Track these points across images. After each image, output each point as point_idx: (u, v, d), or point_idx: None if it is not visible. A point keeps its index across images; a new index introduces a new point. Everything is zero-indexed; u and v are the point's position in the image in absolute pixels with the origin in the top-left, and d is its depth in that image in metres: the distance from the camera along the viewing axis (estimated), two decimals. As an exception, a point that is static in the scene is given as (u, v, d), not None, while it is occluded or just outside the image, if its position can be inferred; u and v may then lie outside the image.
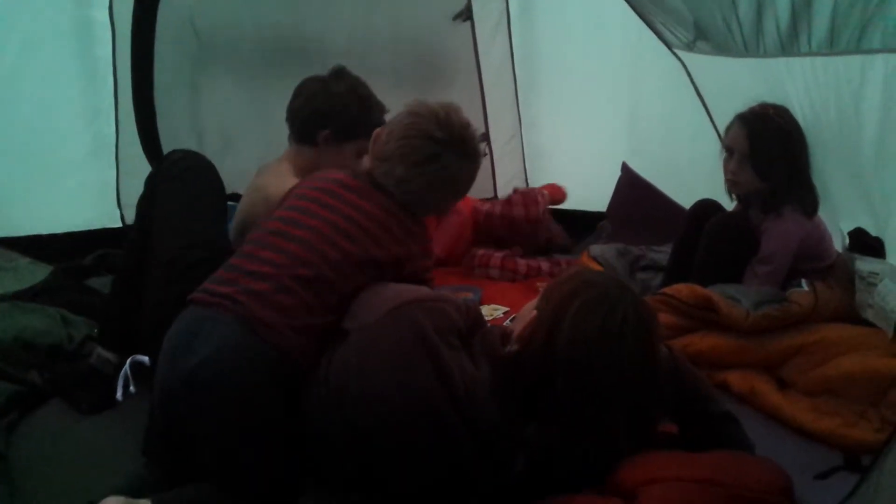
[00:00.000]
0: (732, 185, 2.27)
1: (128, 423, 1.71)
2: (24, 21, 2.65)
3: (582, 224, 3.25)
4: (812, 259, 2.19)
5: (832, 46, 1.90)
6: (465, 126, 1.69)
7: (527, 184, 3.48)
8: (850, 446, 1.66)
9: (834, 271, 2.14)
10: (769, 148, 2.15)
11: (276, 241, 1.54)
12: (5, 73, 2.65)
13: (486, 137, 3.30)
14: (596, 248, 2.76)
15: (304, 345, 1.45)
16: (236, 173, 3.07)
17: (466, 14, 3.29)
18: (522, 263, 2.85)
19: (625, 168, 3.14)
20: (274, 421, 1.41)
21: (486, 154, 3.25)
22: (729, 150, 2.24)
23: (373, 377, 1.37)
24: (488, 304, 2.48)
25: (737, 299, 2.03)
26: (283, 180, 2.08)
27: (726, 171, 2.25)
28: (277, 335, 1.42)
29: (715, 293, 2.05)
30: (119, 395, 1.76)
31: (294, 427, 1.43)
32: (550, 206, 3.07)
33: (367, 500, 1.42)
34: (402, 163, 1.64)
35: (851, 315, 2.02)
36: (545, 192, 3.05)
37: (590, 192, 3.22)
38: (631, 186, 3.09)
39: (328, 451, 1.43)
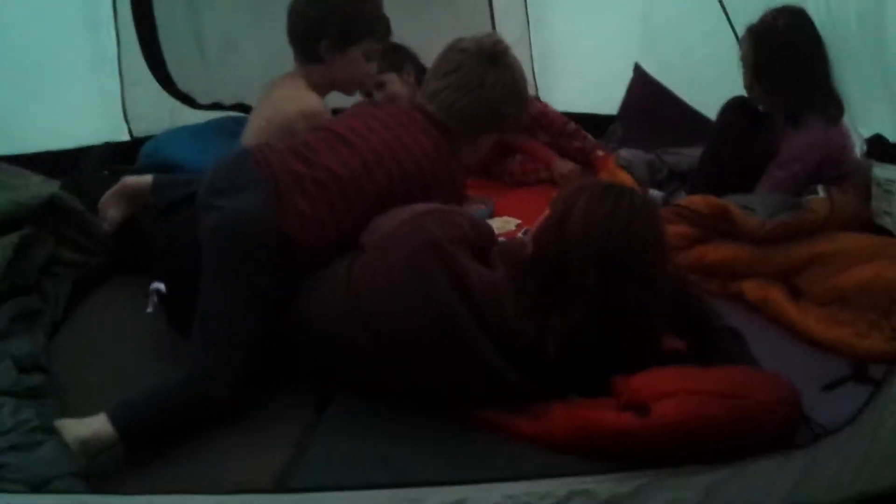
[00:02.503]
0: (751, 99, 2.24)
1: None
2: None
3: (592, 127, 3.20)
4: (834, 166, 2.19)
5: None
6: (498, 41, 1.77)
7: (535, 86, 3.40)
8: (861, 356, 1.68)
9: (851, 177, 2.14)
10: (774, 62, 2.14)
11: (333, 143, 1.67)
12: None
13: None
14: (625, 153, 2.74)
15: (310, 241, 1.56)
16: (239, 82, 3.06)
17: None
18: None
19: (637, 69, 3.05)
20: (252, 293, 1.52)
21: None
22: (742, 61, 2.21)
23: (389, 286, 1.44)
24: (500, 217, 2.49)
25: (751, 209, 2.04)
26: (307, 95, 2.08)
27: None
28: (290, 224, 1.54)
29: (731, 203, 2.06)
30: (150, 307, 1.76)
31: (276, 318, 1.54)
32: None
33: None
34: (434, 76, 1.77)
35: (868, 222, 2.02)
36: None
37: (600, 94, 3.16)
38: (644, 89, 3.02)
39: (352, 358, 1.50)
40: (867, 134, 2.10)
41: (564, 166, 2.82)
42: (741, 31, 2.51)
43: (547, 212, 1.49)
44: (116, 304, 1.98)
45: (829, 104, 2.16)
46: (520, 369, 1.44)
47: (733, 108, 2.36)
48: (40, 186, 2.32)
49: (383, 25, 2.18)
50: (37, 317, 1.82)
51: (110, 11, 2.81)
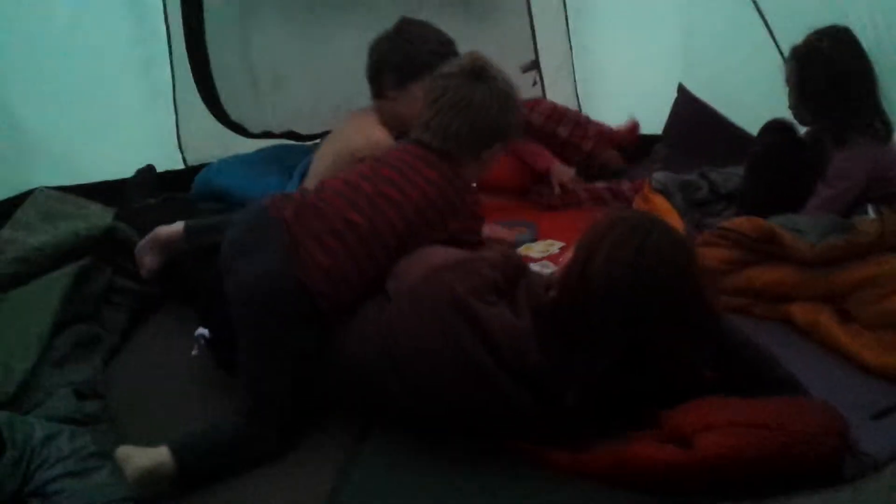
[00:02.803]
0: (796, 120, 2.23)
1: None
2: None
3: (637, 148, 3.19)
4: (883, 184, 2.15)
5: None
6: (477, 58, 1.78)
7: (579, 108, 3.40)
8: (912, 382, 1.66)
9: None
10: (819, 84, 2.13)
11: (345, 191, 1.69)
12: (62, 26, 2.70)
13: (536, 65, 3.26)
14: (660, 176, 2.73)
15: (333, 292, 1.57)
16: (289, 112, 3.14)
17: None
18: (582, 190, 2.83)
19: (681, 90, 3.04)
20: (287, 352, 1.55)
21: (535, 83, 3.23)
22: (788, 84, 2.20)
23: (416, 339, 1.47)
24: (544, 240, 2.49)
25: (801, 231, 2.00)
26: (374, 129, 2.18)
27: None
28: (310, 278, 1.55)
29: (777, 225, 2.03)
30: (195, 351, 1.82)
31: (313, 367, 1.57)
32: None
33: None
34: (425, 108, 1.79)
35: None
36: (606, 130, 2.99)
37: (644, 114, 3.14)
38: (688, 109, 3.00)
39: (387, 399, 1.53)
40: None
41: (564, 173, 2.83)
42: (786, 49, 2.49)
43: (571, 253, 1.46)
44: (170, 331, 2.05)
45: (877, 123, 2.13)
46: (551, 409, 1.43)
47: (770, 132, 2.32)
48: (98, 216, 2.44)
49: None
50: (96, 344, 1.90)
51: (165, 49, 2.90)
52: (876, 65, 2.12)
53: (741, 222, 2.09)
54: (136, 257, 1.95)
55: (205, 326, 1.72)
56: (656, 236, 1.37)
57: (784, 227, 2.02)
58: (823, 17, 2.22)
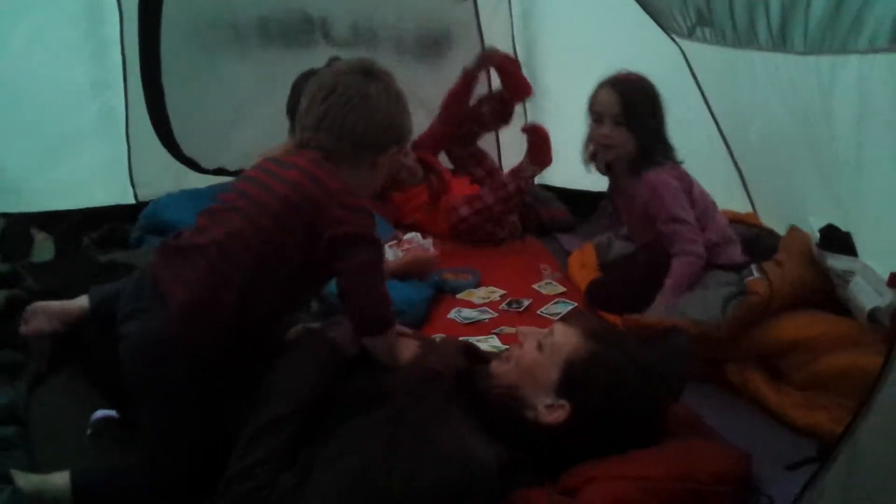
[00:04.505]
0: (606, 150, 2.38)
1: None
2: (36, 2, 2.72)
3: (586, 204, 3.27)
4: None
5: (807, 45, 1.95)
6: (362, 59, 1.65)
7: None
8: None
9: (785, 245, 2.19)
10: (641, 108, 2.30)
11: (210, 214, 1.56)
12: (17, 53, 2.72)
13: None
14: (600, 238, 2.84)
15: (199, 331, 1.46)
16: (244, 149, 3.15)
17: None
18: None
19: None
20: (186, 402, 1.47)
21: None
22: (598, 115, 2.35)
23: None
24: (486, 287, 2.54)
25: (698, 320, 2.01)
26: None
27: (596, 137, 2.37)
28: (175, 322, 1.44)
29: (682, 319, 2.02)
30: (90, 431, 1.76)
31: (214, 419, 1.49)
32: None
33: None
34: (312, 105, 1.58)
35: (817, 291, 2.05)
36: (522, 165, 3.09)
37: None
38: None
39: None
40: (818, 225, 2.14)
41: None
42: (723, 122, 2.65)
43: (568, 402, 1.42)
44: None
45: (668, 148, 2.35)
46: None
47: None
48: (41, 247, 2.43)
49: None
50: (19, 370, 1.87)
51: (120, 79, 2.93)
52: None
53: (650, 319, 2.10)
54: (24, 315, 1.77)
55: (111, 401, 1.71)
56: (640, 380, 1.42)
57: (687, 318, 2.03)
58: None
